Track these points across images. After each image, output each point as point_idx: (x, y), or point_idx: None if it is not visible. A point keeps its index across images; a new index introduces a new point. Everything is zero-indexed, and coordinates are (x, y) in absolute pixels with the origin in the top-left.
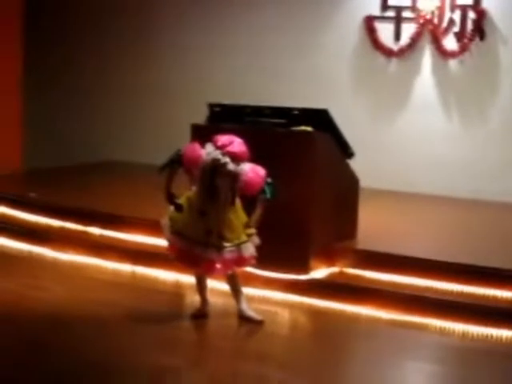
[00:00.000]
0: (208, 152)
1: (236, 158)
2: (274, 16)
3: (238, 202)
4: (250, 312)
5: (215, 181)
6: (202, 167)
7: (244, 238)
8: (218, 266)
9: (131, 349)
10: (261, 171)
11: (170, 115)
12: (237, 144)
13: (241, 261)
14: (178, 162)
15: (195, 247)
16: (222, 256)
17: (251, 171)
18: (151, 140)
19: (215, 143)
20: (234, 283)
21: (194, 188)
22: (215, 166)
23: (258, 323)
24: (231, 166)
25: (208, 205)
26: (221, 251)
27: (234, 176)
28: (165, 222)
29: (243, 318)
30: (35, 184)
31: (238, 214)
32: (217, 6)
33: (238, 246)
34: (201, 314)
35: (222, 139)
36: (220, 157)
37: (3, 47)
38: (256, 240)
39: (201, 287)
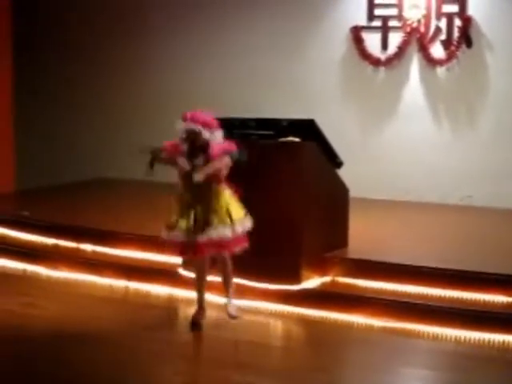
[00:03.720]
0: (180, 128)
1: (207, 125)
2: (261, 29)
3: (223, 187)
4: (229, 308)
5: (193, 158)
6: (181, 148)
7: (227, 220)
8: (202, 247)
9: (127, 364)
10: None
11: (159, 131)
12: (205, 113)
13: (223, 243)
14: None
15: (183, 236)
16: (203, 238)
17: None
18: (141, 156)
19: (184, 119)
20: (224, 272)
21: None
22: (191, 138)
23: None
24: (206, 134)
25: (193, 194)
26: (203, 234)
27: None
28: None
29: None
30: (28, 203)
31: (222, 198)
32: (208, 20)
33: (219, 227)
34: (196, 322)
35: (190, 113)
36: (193, 126)
37: None
38: (244, 223)
39: (199, 287)
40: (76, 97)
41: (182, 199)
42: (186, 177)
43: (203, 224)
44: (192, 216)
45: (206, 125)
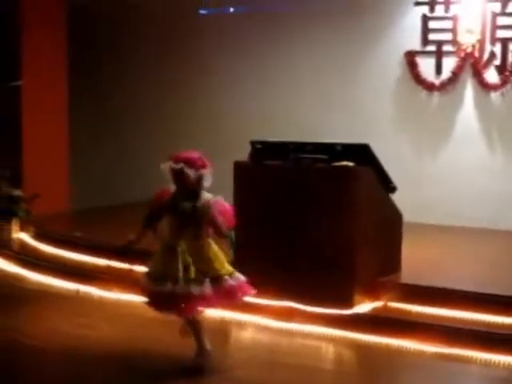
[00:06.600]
0: (163, 168)
1: (191, 163)
2: (316, 53)
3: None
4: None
5: (182, 204)
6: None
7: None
8: (201, 301)
9: None
10: (229, 208)
11: (212, 152)
12: (189, 152)
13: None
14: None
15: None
16: (203, 290)
17: (221, 204)
18: None
19: (169, 160)
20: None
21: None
22: (177, 178)
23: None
24: (189, 171)
25: (181, 241)
26: (202, 285)
27: (205, 204)
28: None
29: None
30: (81, 223)
31: (211, 249)
32: (261, 44)
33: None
34: (196, 367)
35: (174, 153)
36: (174, 165)
37: (50, 91)
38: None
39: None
40: (131, 118)
41: (165, 246)
42: (176, 221)
43: (199, 275)
44: (181, 265)
45: (189, 163)
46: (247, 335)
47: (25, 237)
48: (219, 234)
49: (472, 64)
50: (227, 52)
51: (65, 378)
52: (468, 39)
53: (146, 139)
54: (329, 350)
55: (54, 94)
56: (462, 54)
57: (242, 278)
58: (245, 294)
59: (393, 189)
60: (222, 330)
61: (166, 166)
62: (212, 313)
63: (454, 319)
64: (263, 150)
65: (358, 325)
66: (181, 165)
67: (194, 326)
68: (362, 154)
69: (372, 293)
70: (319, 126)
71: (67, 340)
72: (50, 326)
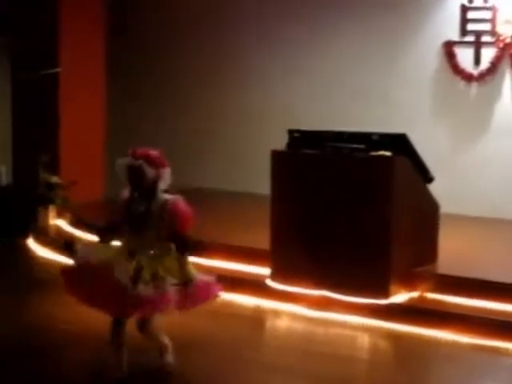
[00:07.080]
0: (119, 164)
1: (150, 161)
2: (354, 42)
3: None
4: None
5: (136, 207)
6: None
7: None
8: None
9: (212, 371)
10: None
11: (248, 141)
12: (149, 149)
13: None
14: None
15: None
16: (162, 294)
17: (182, 203)
18: (229, 167)
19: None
20: (152, 334)
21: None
22: (133, 176)
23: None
24: (148, 169)
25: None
26: (161, 289)
27: (162, 205)
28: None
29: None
30: None
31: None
32: (298, 32)
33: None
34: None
35: (132, 149)
36: (133, 161)
37: (88, 79)
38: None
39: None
40: (166, 105)
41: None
42: (132, 225)
43: (159, 279)
44: (134, 263)
45: (148, 160)
46: (283, 324)
47: (62, 223)
48: (176, 237)
49: (511, 55)
50: (262, 41)
51: (98, 363)
52: (507, 30)
53: (183, 130)
54: (364, 339)
55: (91, 82)
56: (501, 45)
57: (205, 279)
58: (211, 295)
59: (430, 179)
60: (258, 317)
61: (123, 163)
62: (246, 300)
63: (490, 311)
64: (301, 139)
65: (393, 315)
66: (140, 161)
67: (147, 332)
68: (400, 143)
69: (408, 283)
70: (357, 116)
71: (101, 325)
72: (83, 311)
